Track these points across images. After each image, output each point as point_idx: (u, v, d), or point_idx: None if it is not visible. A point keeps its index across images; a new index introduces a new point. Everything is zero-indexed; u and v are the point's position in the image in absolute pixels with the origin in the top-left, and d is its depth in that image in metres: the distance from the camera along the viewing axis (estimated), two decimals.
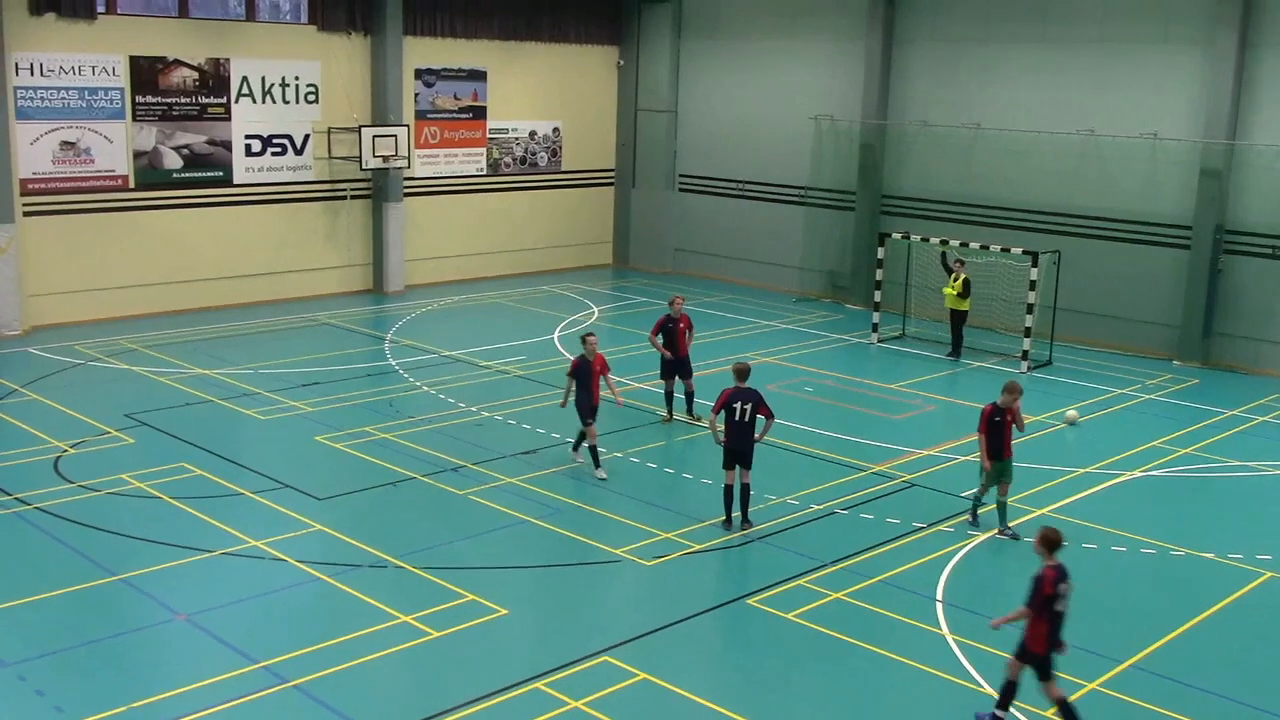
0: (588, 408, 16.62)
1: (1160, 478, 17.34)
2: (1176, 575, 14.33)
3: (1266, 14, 23.54)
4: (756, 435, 14.87)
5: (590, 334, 17.05)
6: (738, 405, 14.73)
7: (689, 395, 19.56)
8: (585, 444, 16.89)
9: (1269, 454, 18.81)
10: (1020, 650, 10.36)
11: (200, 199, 26.65)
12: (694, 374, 19.65)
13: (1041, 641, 10.22)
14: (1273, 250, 23.93)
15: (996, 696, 10.62)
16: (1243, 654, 12.38)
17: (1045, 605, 10.14)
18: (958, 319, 24.29)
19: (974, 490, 15.54)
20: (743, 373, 15.09)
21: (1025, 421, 15.55)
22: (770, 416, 14.88)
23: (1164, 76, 24.96)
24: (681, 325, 19.35)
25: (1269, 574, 14.28)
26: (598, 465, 16.73)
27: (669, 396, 19.51)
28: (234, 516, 15.00)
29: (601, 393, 16.79)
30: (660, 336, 19.34)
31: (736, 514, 15.07)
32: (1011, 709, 10.62)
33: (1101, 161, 25.85)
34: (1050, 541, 10.31)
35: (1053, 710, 10.49)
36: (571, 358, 17.86)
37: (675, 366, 19.38)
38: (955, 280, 24.09)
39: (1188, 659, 12.15)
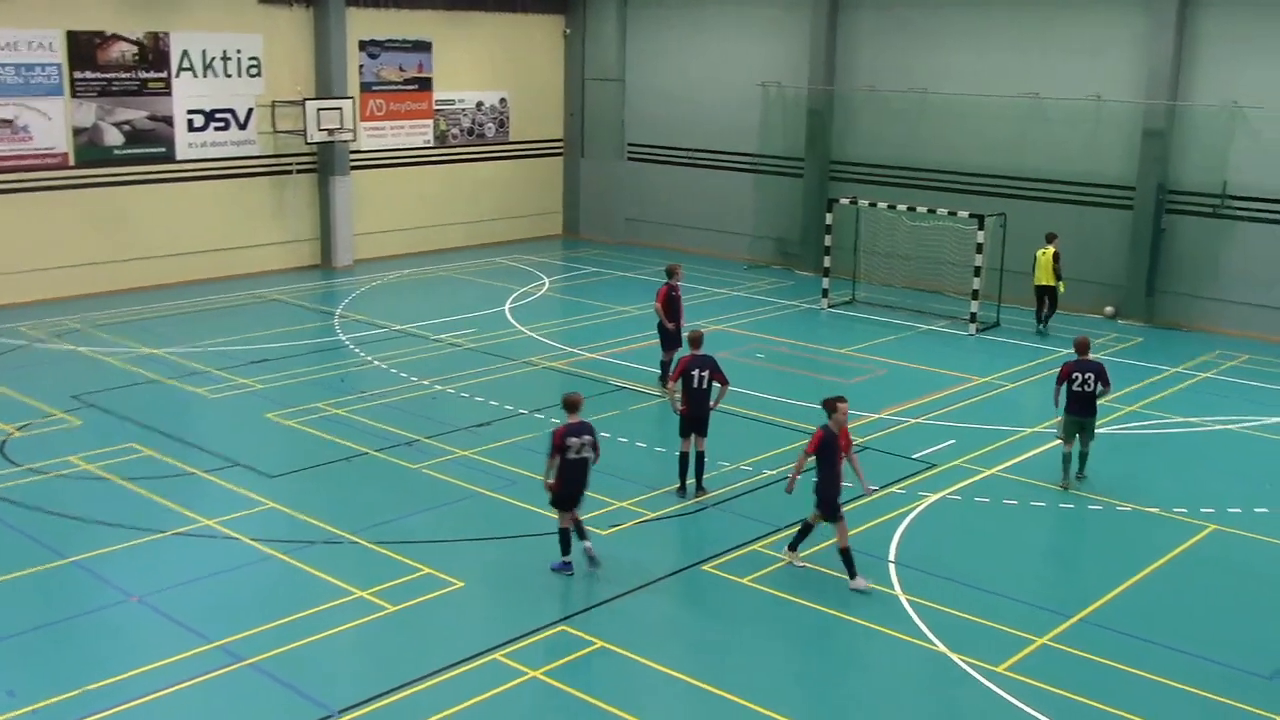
0: (833, 498, 12.73)
1: (1106, 435, 17.56)
2: (1123, 530, 14.58)
3: None
4: (711, 402, 14.95)
5: (841, 398, 12.85)
6: (695, 372, 14.81)
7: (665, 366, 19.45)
8: (837, 545, 12.81)
9: (1210, 409, 19.15)
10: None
11: (143, 176, 26.28)
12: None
13: (559, 483, 12.67)
14: (1213, 209, 24.27)
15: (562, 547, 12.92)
16: (1189, 606, 12.64)
17: (560, 453, 12.53)
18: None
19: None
20: (697, 340, 15.18)
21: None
22: (724, 383, 14.96)
23: (1106, 38, 25.17)
24: (678, 294, 19.28)
25: (1212, 526, 14.57)
26: (854, 573, 12.67)
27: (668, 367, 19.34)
28: (185, 496, 14.89)
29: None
30: (664, 306, 19.11)
31: (691, 481, 15.15)
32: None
33: (1046, 124, 26.07)
34: (568, 403, 12.81)
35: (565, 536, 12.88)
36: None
37: (675, 337, 19.20)
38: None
39: (1136, 612, 12.39)
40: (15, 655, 11.14)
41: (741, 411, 18.06)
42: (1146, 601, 12.67)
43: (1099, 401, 15.59)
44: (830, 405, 12.79)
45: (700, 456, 15.09)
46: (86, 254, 25.58)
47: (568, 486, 12.74)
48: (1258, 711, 10.57)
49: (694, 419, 14.92)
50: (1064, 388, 15.45)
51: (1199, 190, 24.41)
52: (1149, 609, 12.48)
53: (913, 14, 27.75)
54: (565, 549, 12.95)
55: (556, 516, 12.98)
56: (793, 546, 13.31)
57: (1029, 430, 17.86)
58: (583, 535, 12.96)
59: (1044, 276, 23.52)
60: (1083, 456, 15.76)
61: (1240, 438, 18.00)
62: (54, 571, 12.84)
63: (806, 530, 13.15)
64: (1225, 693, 10.84)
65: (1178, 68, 24.21)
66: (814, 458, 12.71)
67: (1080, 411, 15.46)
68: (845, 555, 12.67)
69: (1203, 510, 15.04)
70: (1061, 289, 23.66)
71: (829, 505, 12.74)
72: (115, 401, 18.49)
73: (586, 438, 12.70)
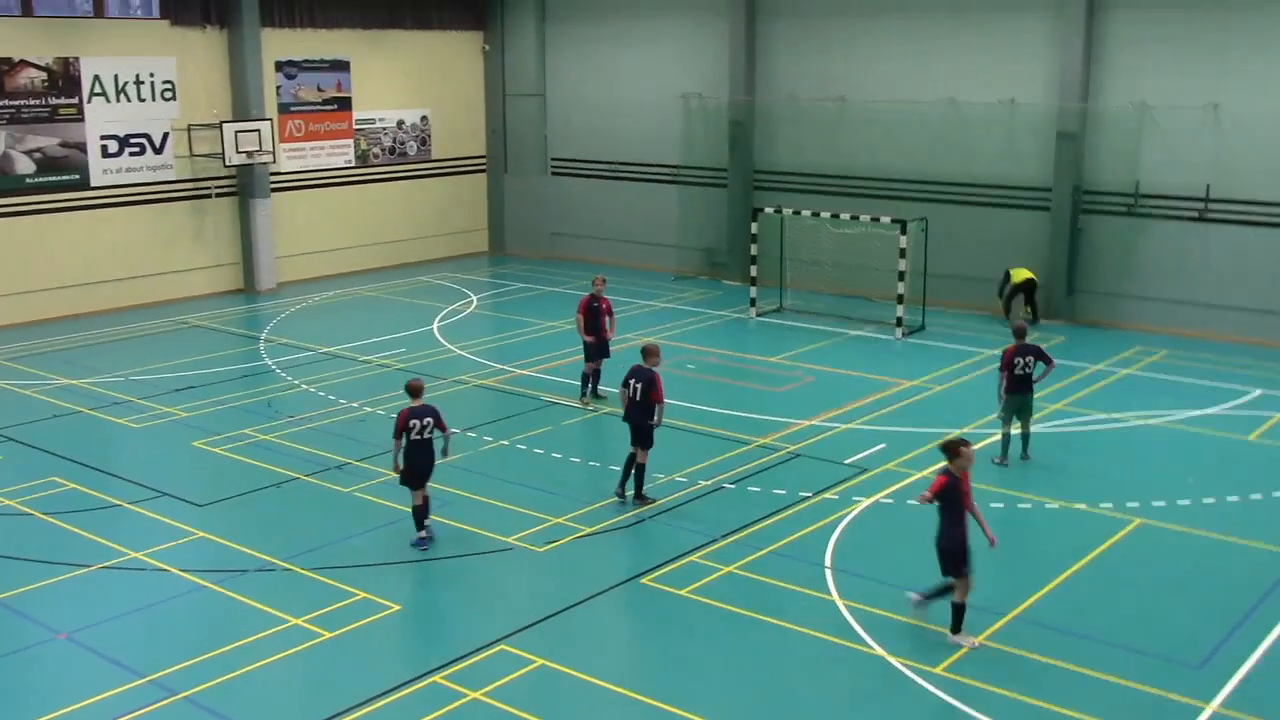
0: (957, 551, 11.55)
1: (1032, 434, 17.84)
2: (1052, 527, 14.81)
3: None
4: (653, 420, 14.95)
5: (965, 441, 11.74)
6: (630, 382, 14.94)
7: (594, 376, 19.47)
8: (953, 598, 11.80)
9: (1132, 405, 19.53)
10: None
11: (57, 204, 25.77)
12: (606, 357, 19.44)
13: (406, 462, 13.78)
14: (1127, 208, 24.79)
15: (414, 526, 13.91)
16: (1119, 599, 12.86)
17: (403, 435, 13.69)
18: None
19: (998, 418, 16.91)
20: (643, 352, 15.24)
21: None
22: (658, 400, 14.94)
23: (1019, 43, 25.64)
24: (603, 307, 19.29)
25: (1138, 520, 14.84)
26: (958, 627, 11.82)
27: (593, 377, 19.36)
28: (111, 529, 14.58)
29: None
30: (583, 317, 19.17)
31: (630, 492, 15.19)
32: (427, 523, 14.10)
33: (963, 129, 26.47)
34: (410, 389, 13.96)
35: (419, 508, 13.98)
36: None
37: (600, 349, 19.25)
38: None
39: (1068, 607, 12.57)
40: None
41: (674, 423, 18.08)
42: (1078, 597, 12.87)
43: (1047, 376, 16.95)
44: (953, 449, 11.44)
45: (640, 469, 15.13)
46: (1, 286, 25.00)
47: (413, 465, 13.83)
48: (1189, 701, 10.77)
49: (631, 427, 15.01)
50: (1008, 372, 16.41)
51: (1113, 190, 24.92)
52: (1080, 604, 12.68)
53: (829, 23, 28.06)
54: (419, 525, 14.04)
55: (412, 497, 14.00)
56: (955, 629, 11.76)
57: (958, 431, 18.06)
58: (425, 519, 14.03)
59: (1024, 275, 24.86)
60: (1025, 437, 16.83)
61: (1162, 432, 18.37)
62: None
63: (952, 599, 11.75)
64: (1157, 683, 11.03)
65: (1088, 70, 24.71)
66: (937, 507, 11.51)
67: (1020, 391, 16.54)
68: (957, 610, 11.67)
69: (1128, 505, 15.32)
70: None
71: (953, 560, 11.46)
72: (35, 435, 18.07)
73: (428, 420, 13.79)
